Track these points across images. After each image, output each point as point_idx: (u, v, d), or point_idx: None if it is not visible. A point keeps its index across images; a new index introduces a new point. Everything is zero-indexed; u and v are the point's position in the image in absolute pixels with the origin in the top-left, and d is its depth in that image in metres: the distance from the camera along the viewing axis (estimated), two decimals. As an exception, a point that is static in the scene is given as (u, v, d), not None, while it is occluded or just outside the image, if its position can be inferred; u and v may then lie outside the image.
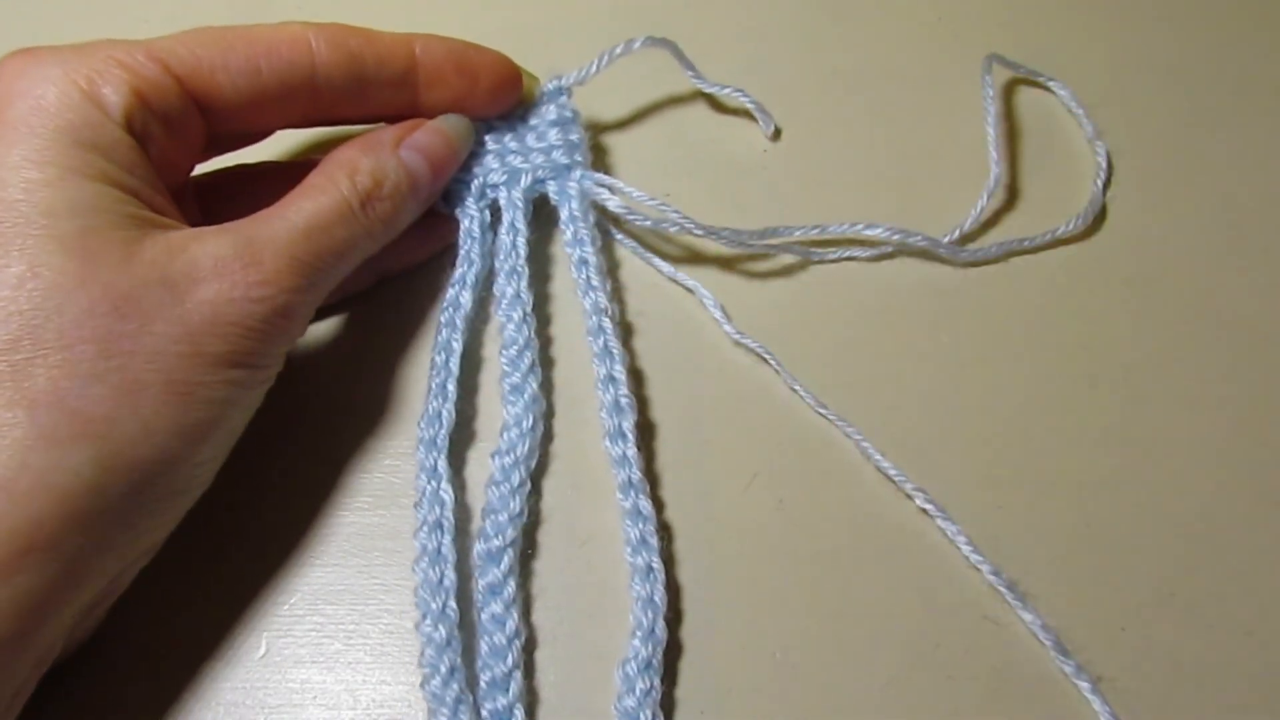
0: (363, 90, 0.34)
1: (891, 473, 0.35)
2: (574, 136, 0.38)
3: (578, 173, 0.37)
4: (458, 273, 0.36)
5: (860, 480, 0.35)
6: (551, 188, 0.37)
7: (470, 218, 0.37)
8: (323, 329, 0.37)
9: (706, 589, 0.34)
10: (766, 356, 0.36)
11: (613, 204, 0.37)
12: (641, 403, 0.36)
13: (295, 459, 0.35)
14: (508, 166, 0.37)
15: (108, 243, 0.28)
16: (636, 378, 0.37)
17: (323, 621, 0.33)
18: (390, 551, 0.34)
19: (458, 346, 0.35)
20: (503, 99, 0.37)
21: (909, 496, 0.34)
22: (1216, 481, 0.35)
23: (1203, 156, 0.40)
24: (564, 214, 0.37)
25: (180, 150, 0.32)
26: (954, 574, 0.34)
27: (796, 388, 0.36)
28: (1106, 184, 0.40)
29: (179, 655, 0.33)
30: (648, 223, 0.37)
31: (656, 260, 0.38)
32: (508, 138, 0.38)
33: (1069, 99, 0.41)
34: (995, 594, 0.33)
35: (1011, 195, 0.40)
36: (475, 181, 0.37)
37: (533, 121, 0.38)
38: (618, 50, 0.38)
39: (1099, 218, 0.39)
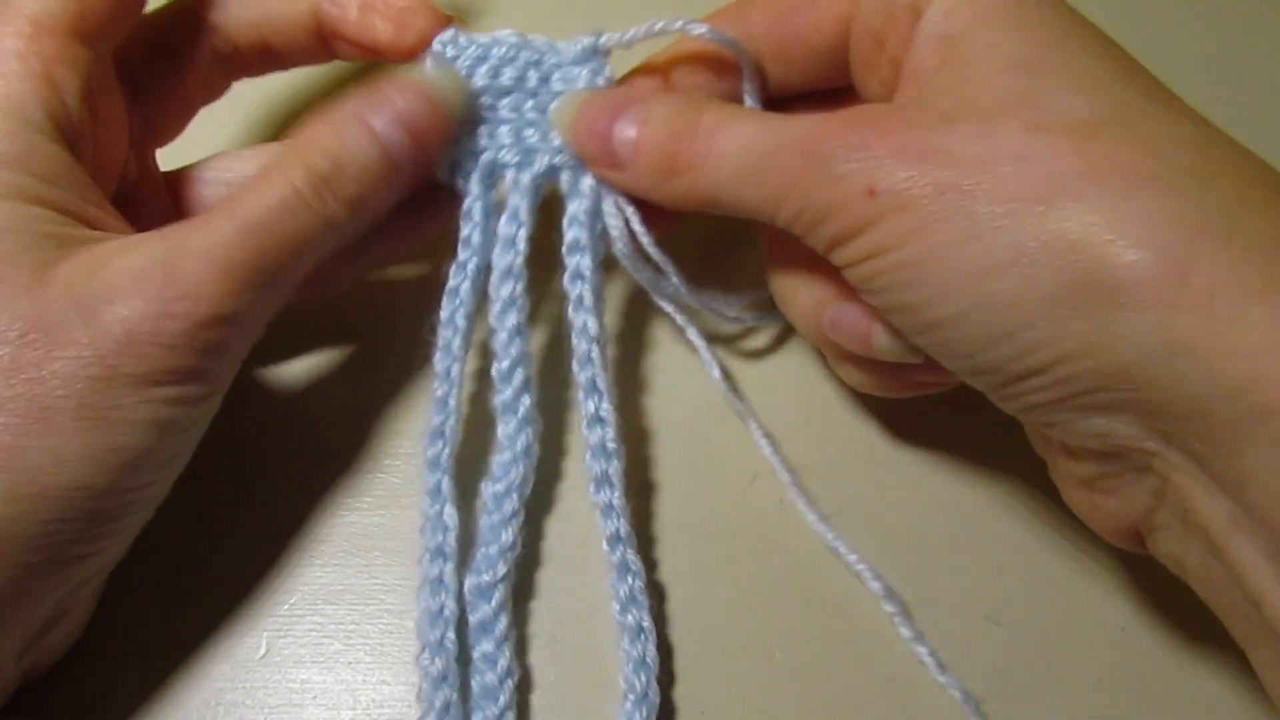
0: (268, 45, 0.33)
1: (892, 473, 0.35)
2: None
3: None
4: (459, 258, 0.32)
5: (861, 480, 0.35)
6: (565, 178, 0.33)
7: (471, 196, 0.32)
8: (320, 322, 0.37)
9: (706, 589, 0.34)
10: (750, 421, 0.35)
11: (615, 234, 0.32)
12: (640, 405, 0.36)
13: (295, 458, 0.35)
14: (522, 144, 0.32)
15: (16, 268, 0.27)
16: (636, 377, 0.36)
17: (323, 621, 0.33)
18: (390, 551, 0.34)
19: (461, 351, 0.32)
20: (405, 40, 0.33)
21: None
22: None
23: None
24: (570, 210, 0.32)
25: (109, 126, 0.30)
26: (954, 574, 0.34)
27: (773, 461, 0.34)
28: None
29: (179, 655, 0.32)
30: (640, 274, 0.33)
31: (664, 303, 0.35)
32: (528, 105, 0.32)
33: None
34: (995, 594, 0.34)
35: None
36: (484, 155, 0.32)
37: (558, 85, 0.32)
38: (677, 24, 0.32)
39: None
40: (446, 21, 0.33)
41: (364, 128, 0.29)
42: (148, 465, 0.28)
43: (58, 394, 0.26)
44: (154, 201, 0.34)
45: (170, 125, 0.35)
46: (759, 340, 0.37)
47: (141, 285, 0.27)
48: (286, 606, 0.33)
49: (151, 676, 0.32)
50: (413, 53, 0.33)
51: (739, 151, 0.29)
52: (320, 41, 0.33)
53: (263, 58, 0.34)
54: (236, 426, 0.34)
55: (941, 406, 0.33)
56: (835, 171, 0.27)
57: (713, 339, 0.36)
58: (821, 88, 0.33)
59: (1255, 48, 0.43)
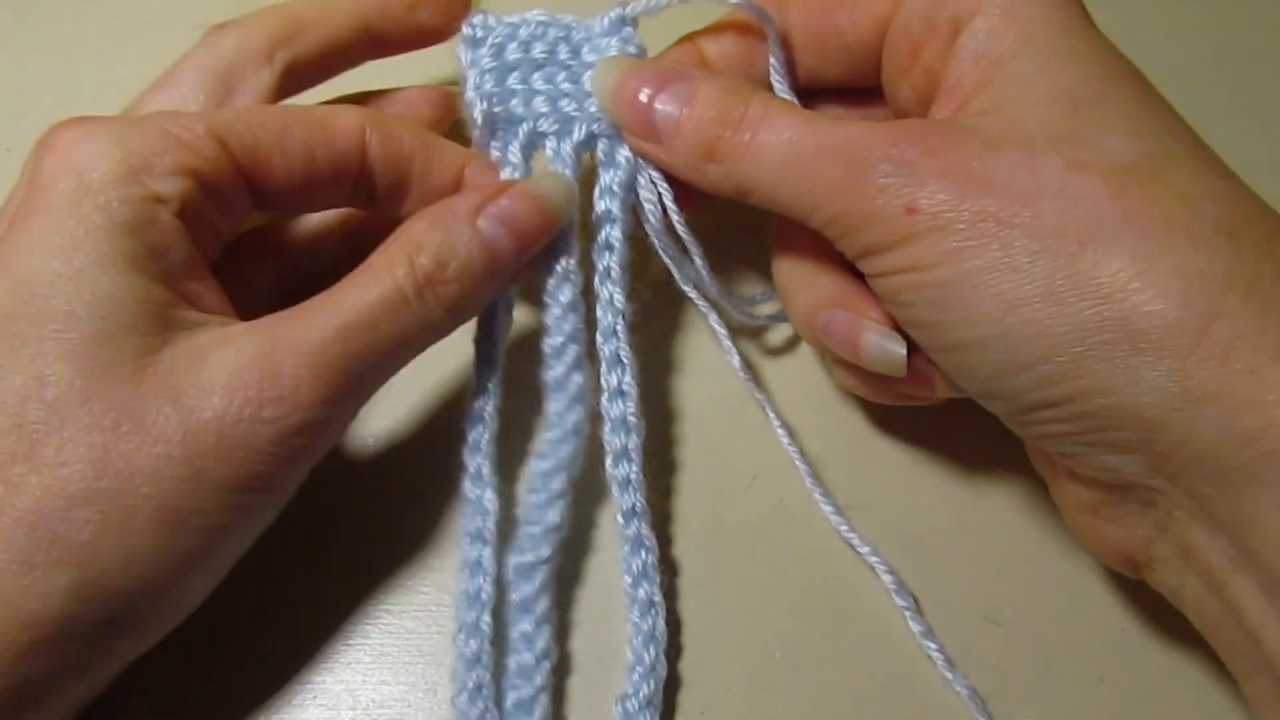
0: (404, 193, 0.32)
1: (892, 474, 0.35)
2: None
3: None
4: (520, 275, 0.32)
5: (861, 481, 0.35)
6: (601, 146, 0.33)
7: (511, 166, 0.32)
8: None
9: (706, 589, 0.34)
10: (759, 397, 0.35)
11: (648, 208, 0.32)
12: (665, 385, 0.36)
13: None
14: (559, 113, 0.32)
15: (121, 351, 0.26)
16: (662, 358, 0.36)
17: (323, 622, 0.33)
18: (391, 551, 0.34)
19: (503, 329, 0.32)
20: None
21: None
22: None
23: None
24: (603, 180, 0.32)
25: (225, 225, 0.30)
26: (954, 574, 0.34)
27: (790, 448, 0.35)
28: None
29: (179, 655, 0.32)
30: (666, 254, 0.33)
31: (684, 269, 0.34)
32: (561, 77, 0.32)
33: None
34: (995, 594, 0.34)
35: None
36: (523, 126, 0.32)
37: (588, 57, 0.33)
38: None
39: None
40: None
41: (470, 227, 0.29)
42: (207, 569, 0.28)
43: (142, 491, 0.26)
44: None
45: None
46: (780, 333, 0.38)
47: (239, 385, 0.26)
48: (286, 606, 0.33)
49: (151, 677, 0.32)
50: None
51: (782, 147, 0.29)
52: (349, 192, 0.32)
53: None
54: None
55: (942, 407, 0.33)
56: (877, 183, 0.27)
57: (737, 331, 0.36)
58: (850, 86, 0.33)
59: (1256, 47, 0.43)
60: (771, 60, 0.32)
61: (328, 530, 0.34)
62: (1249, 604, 0.26)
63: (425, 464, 0.35)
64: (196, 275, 0.29)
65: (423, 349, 0.30)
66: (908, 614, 0.32)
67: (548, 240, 0.31)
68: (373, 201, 0.32)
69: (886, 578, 0.33)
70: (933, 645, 0.32)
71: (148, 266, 0.27)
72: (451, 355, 0.34)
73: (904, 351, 0.30)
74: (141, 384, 0.26)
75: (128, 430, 0.26)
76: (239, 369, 0.26)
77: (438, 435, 0.35)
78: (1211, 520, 0.26)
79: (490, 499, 0.31)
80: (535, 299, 0.33)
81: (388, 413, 0.36)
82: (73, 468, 0.25)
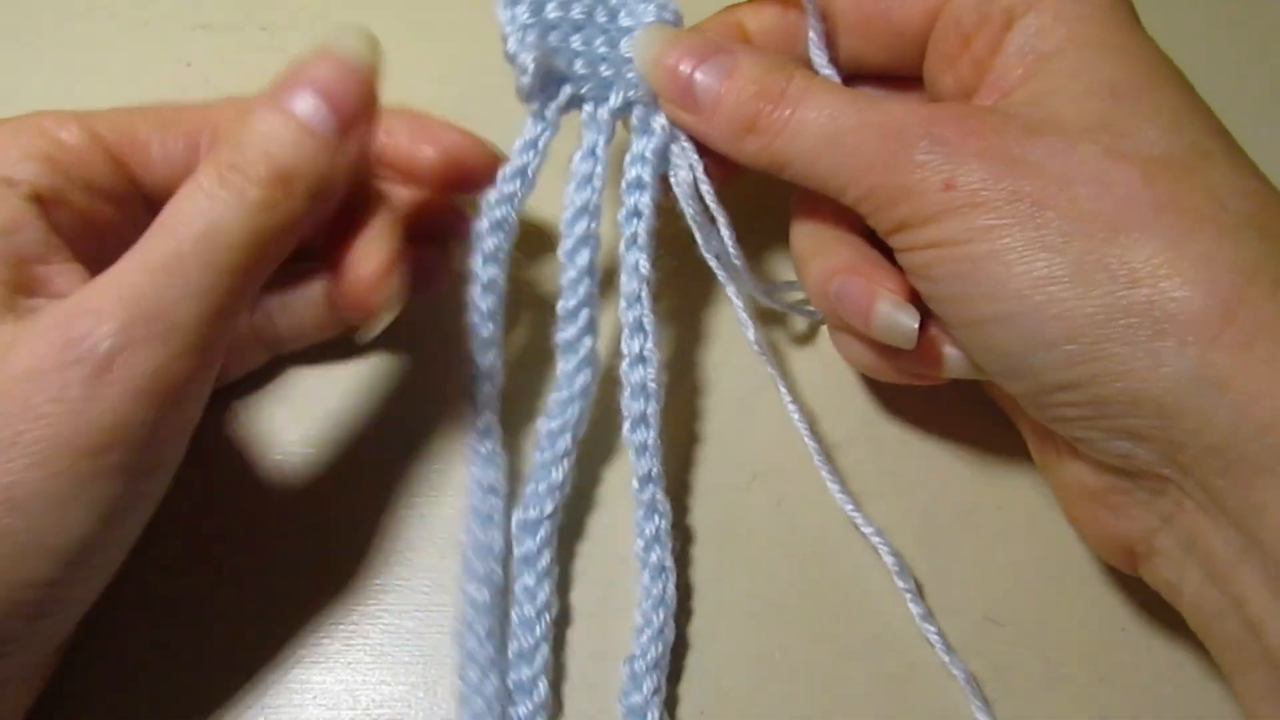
0: None
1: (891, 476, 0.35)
2: None
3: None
4: (507, 187, 0.31)
5: (862, 481, 0.35)
6: (636, 113, 0.32)
7: (543, 125, 0.32)
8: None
9: (706, 589, 0.34)
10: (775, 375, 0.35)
11: (679, 176, 0.32)
12: (689, 357, 0.36)
13: (291, 456, 0.35)
14: (597, 77, 0.32)
15: None
16: (685, 328, 0.36)
17: (323, 621, 0.33)
18: (391, 551, 0.34)
19: (501, 281, 0.32)
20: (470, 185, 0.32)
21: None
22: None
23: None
24: (635, 147, 0.32)
25: (114, 216, 0.30)
26: (954, 574, 0.34)
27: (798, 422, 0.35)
28: None
29: (179, 655, 0.32)
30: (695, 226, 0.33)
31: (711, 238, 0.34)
32: (598, 41, 0.32)
33: None
34: (995, 593, 0.34)
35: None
36: (566, 88, 0.32)
37: (625, 21, 0.32)
38: None
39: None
40: (494, 160, 0.33)
41: (265, 106, 0.27)
42: (74, 546, 0.25)
43: None
44: None
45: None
46: (797, 321, 0.38)
47: (41, 334, 0.24)
48: (286, 607, 0.33)
49: (151, 677, 0.32)
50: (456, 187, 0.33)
51: (822, 122, 0.29)
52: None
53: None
54: (228, 420, 0.34)
55: (943, 408, 0.33)
56: (916, 159, 0.28)
57: (758, 312, 0.36)
58: (893, 72, 0.34)
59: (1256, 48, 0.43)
60: (811, 35, 0.32)
61: (328, 530, 0.34)
62: (1252, 595, 0.26)
63: (426, 464, 0.35)
64: (49, 259, 0.27)
65: (278, 235, 0.27)
66: (909, 597, 0.33)
67: (369, 95, 0.28)
68: None
69: (889, 559, 0.33)
70: (932, 629, 0.32)
71: None
72: (452, 356, 0.34)
73: (915, 324, 0.30)
74: None
75: None
76: (45, 321, 0.25)
77: (439, 435, 0.35)
78: (1221, 511, 0.26)
79: (498, 453, 0.32)
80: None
81: (387, 413, 0.36)
82: None
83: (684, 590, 0.33)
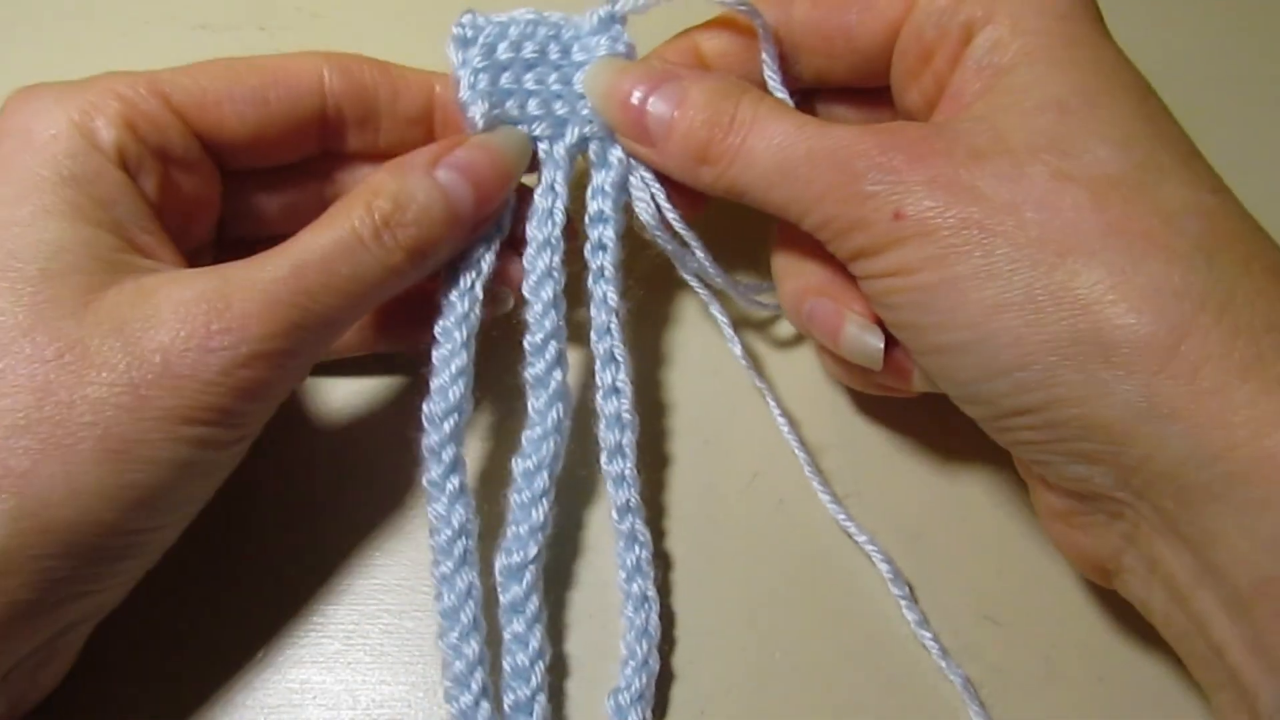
0: (375, 124, 0.32)
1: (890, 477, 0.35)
2: None
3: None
4: (482, 230, 0.32)
5: (862, 481, 0.35)
6: (593, 147, 0.33)
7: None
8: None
9: (706, 589, 0.34)
10: (763, 388, 0.35)
11: (641, 208, 0.33)
12: (659, 379, 0.36)
13: (294, 462, 0.35)
14: (552, 116, 0.32)
15: (66, 288, 0.27)
16: (658, 352, 0.36)
17: (323, 621, 0.33)
18: (390, 551, 0.34)
19: (475, 318, 0.31)
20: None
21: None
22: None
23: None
24: (595, 181, 0.33)
25: (189, 187, 0.31)
26: (954, 575, 0.34)
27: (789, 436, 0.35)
28: None
29: (179, 655, 0.32)
30: (667, 246, 0.33)
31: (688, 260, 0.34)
32: (552, 78, 0.32)
33: None
34: (995, 593, 0.34)
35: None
36: (519, 129, 0.32)
37: (578, 56, 0.32)
38: None
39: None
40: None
41: (427, 176, 0.30)
42: (162, 506, 0.27)
43: (84, 420, 0.26)
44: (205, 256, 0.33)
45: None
46: (783, 328, 0.38)
47: (186, 316, 0.27)
48: (286, 607, 0.33)
49: (151, 677, 0.32)
50: None
51: (772, 151, 0.29)
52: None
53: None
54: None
55: (943, 409, 0.33)
56: (865, 190, 0.28)
57: (740, 325, 0.36)
58: (858, 86, 0.34)
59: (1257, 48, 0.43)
60: (764, 57, 0.32)
61: (328, 530, 0.34)
62: (1212, 618, 0.26)
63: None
64: (148, 229, 0.29)
65: (388, 293, 0.30)
66: (903, 603, 0.33)
67: (506, 190, 0.31)
68: (345, 141, 0.32)
69: (883, 566, 0.33)
70: (927, 634, 0.32)
71: (95, 215, 0.28)
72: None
73: (881, 345, 0.30)
74: (85, 317, 0.26)
75: (70, 361, 0.26)
76: (186, 302, 0.27)
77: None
78: (1176, 535, 0.26)
79: (464, 497, 0.31)
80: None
81: (388, 416, 0.36)
82: (14, 398, 0.25)
83: (668, 620, 0.33)
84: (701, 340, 0.37)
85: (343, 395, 0.36)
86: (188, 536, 0.32)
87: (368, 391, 0.36)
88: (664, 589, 0.33)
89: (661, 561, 0.34)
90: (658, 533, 0.34)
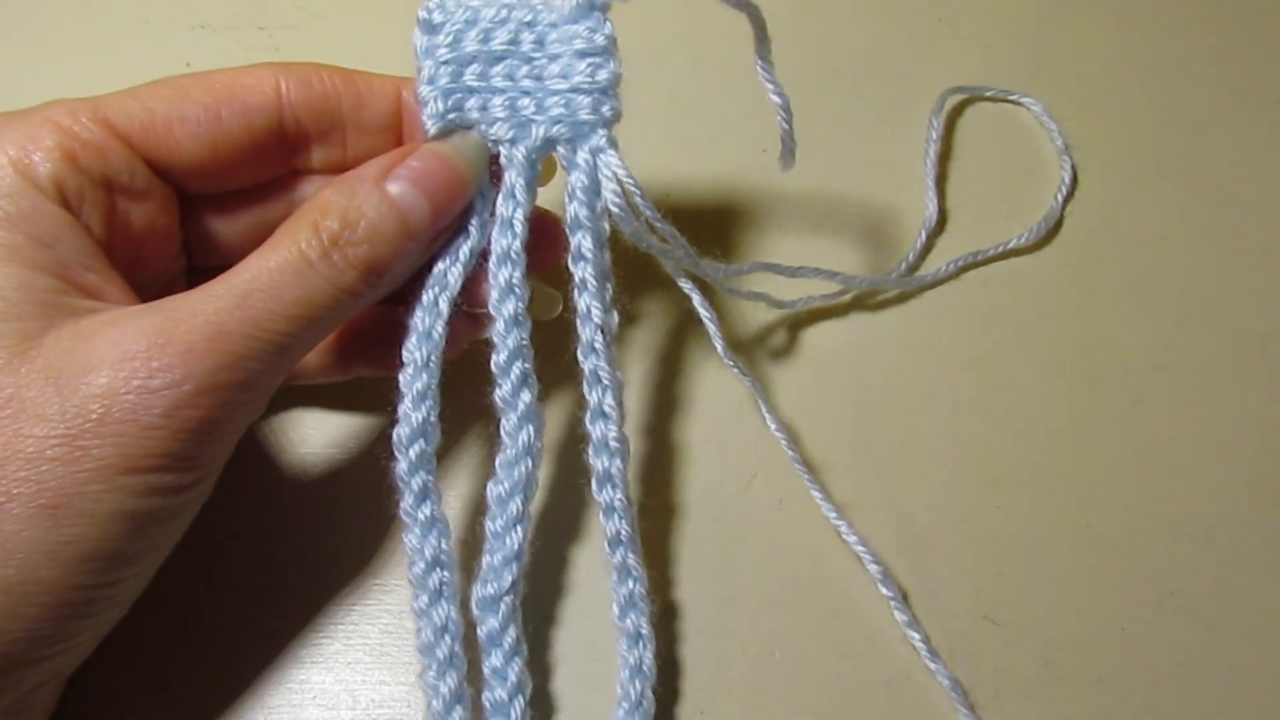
0: (340, 136, 0.30)
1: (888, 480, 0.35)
2: (603, 75, 0.29)
3: (600, 136, 0.29)
4: (450, 243, 0.30)
5: (861, 481, 0.35)
6: (562, 150, 0.30)
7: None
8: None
9: (706, 589, 0.34)
10: (751, 385, 0.34)
11: (611, 200, 0.29)
12: (640, 400, 0.36)
13: (292, 457, 0.35)
14: (516, 117, 0.29)
15: (0, 338, 0.25)
16: (651, 367, 0.36)
17: (323, 622, 0.33)
18: (389, 551, 0.34)
19: (438, 336, 0.29)
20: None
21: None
22: (1215, 481, 0.35)
23: (1175, 165, 0.40)
24: (569, 184, 0.30)
25: (141, 217, 0.29)
26: (954, 575, 0.34)
27: (776, 431, 0.34)
28: (1068, 198, 0.40)
29: (179, 655, 0.32)
30: (641, 239, 0.31)
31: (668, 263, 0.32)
32: (522, 72, 0.29)
33: (1041, 114, 0.41)
34: (995, 593, 0.34)
35: (1010, 210, 0.40)
36: (479, 129, 0.30)
37: (553, 48, 0.29)
38: None
39: (1056, 229, 0.39)
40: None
41: (377, 189, 0.28)
42: (116, 559, 0.26)
43: (19, 476, 0.24)
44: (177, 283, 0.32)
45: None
46: (778, 335, 0.38)
47: (123, 357, 0.25)
48: (286, 607, 0.33)
49: (151, 677, 0.32)
50: None
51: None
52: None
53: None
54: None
55: (943, 407, 0.33)
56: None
57: (740, 325, 0.36)
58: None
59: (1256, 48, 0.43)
60: (757, 60, 0.31)
61: (328, 531, 0.34)
62: None
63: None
64: (92, 267, 0.27)
65: (345, 315, 0.28)
66: (893, 605, 0.33)
67: (463, 200, 0.29)
68: (310, 156, 0.30)
69: (873, 568, 0.33)
70: (916, 635, 0.32)
71: (33, 257, 0.26)
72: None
73: None
74: (20, 368, 0.25)
75: (6, 416, 0.24)
76: (125, 342, 0.25)
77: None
78: None
79: (440, 521, 0.29)
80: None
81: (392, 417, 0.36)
82: None
83: (673, 612, 0.33)
84: (701, 339, 0.37)
85: (340, 396, 0.36)
86: (187, 538, 0.32)
87: (366, 396, 0.36)
88: (664, 589, 0.33)
89: (662, 562, 0.34)
90: (658, 532, 0.34)
